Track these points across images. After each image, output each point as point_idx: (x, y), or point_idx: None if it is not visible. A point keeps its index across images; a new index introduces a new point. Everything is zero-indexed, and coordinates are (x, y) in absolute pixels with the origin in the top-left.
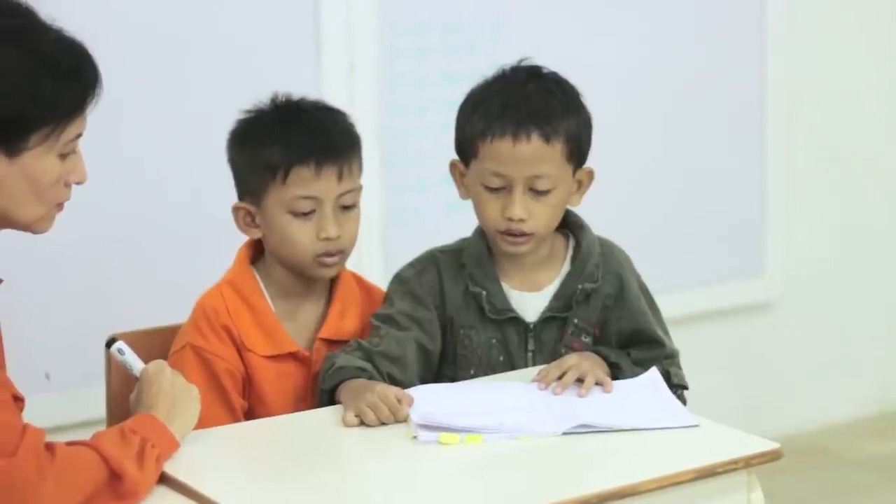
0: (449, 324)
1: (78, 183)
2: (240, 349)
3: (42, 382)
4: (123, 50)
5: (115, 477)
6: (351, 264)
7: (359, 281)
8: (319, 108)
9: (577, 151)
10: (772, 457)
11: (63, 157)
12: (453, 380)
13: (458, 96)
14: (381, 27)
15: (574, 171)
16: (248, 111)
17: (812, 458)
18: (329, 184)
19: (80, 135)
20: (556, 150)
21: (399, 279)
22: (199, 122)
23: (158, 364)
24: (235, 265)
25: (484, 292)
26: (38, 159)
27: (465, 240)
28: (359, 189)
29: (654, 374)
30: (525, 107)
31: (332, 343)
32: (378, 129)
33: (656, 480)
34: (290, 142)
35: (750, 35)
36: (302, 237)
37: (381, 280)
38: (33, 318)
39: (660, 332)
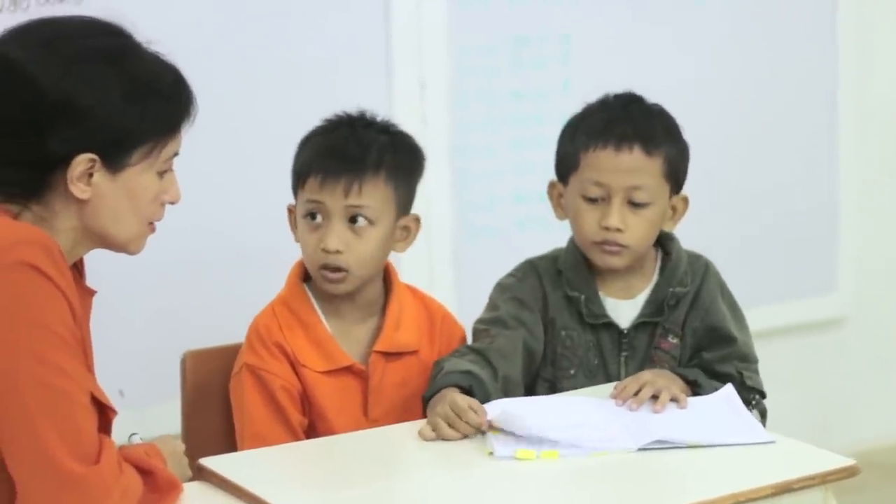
0: (550, 325)
1: (172, 203)
2: (294, 366)
3: (116, 399)
4: (198, 70)
5: (147, 475)
6: (423, 280)
7: (415, 294)
8: (371, 125)
9: (675, 175)
10: (848, 473)
11: (161, 175)
12: (552, 381)
13: (528, 113)
14: (451, 46)
15: (670, 194)
16: (323, 121)
17: (884, 474)
18: (334, 196)
19: (176, 153)
20: (656, 164)
21: (501, 287)
22: (272, 141)
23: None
24: (287, 283)
25: (582, 296)
26: (139, 176)
27: (558, 249)
28: (378, 212)
29: (729, 389)
30: (628, 122)
31: (389, 355)
32: (449, 146)
33: (733, 496)
34: (314, 149)
35: (821, 48)
36: (308, 244)
37: (451, 297)
38: (107, 335)
39: (734, 331)
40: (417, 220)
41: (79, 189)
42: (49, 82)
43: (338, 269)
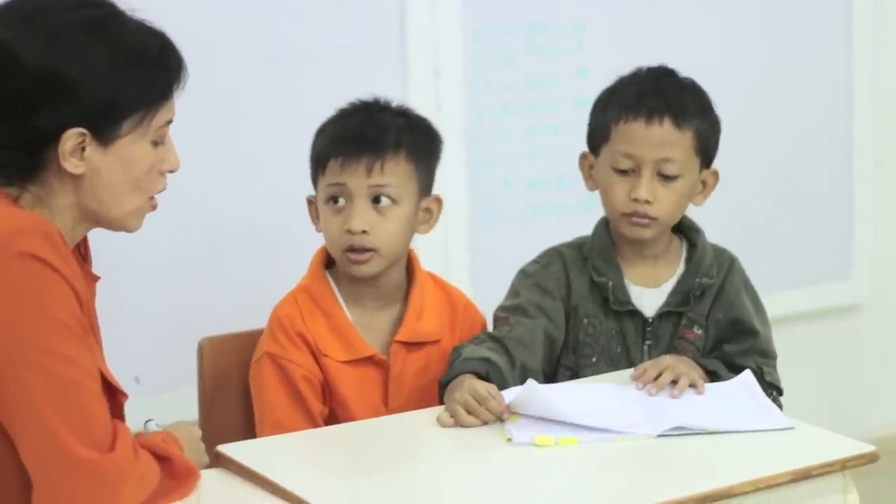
0: (573, 312)
1: (171, 171)
2: (316, 355)
3: (132, 386)
4: (212, 57)
5: (164, 461)
6: (438, 266)
7: (437, 282)
8: (388, 109)
9: (705, 149)
10: (868, 459)
11: (155, 144)
12: (574, 369)
13: (543, 99)
14: (466, 32)
15: (700, 168)
16: (337, 110)
17: None
18: (356, 176)
19: (170, 121)
20: (686, 138)
21: (524, 273)
22: (287, 128)
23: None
24: (309, 271)
25: (609, 282)
26: (132, 146)
27: (584, 237)
28: (401, 190)
29: (747, 375)
30: (660, 96)
31: (410, 345)
32: (464, 133)
33: (752, 483)
34: (332, 134)
35: (836, 35)
36: (332, 229)
37: (467, 283)
38: (122, 322)
39: (756, 324)
40: (439, 200)
41: (72, 164)
42: (32, 58)
43: (364, 250)
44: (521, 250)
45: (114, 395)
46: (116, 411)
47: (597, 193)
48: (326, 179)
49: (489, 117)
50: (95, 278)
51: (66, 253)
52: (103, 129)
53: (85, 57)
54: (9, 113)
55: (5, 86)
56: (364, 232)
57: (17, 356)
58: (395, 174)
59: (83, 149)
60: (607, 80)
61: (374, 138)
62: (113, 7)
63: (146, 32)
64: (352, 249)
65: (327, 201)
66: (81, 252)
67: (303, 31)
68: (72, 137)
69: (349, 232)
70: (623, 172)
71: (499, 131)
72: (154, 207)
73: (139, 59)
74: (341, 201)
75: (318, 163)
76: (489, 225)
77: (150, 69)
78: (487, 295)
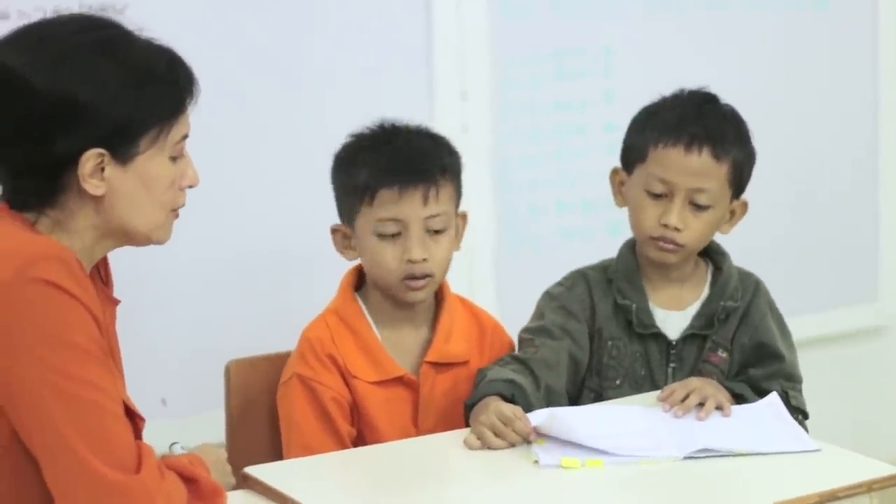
0: (597, 335)
1: (191, 186)
2: (345, 377)
3: (158, 408)
4: (237, 77)
5: (191, 483)
6: (463, 290)
7: (465, 304)
8: (415, 132)
9: (739, 180)
10: (894, 481)
11: (174, 160)
12: (598, 392)
13: (570, 123)
14: (493, 56)
15: (731, 199)
16: (352, 135)
17: None
18: (413, 206)
19: (185, 136)
20: (722, 170)
21: (549, 295)
22: (312, 149)
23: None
24: (339, 293)
25: (633, 305)
26: (151, 162)
27: (609, 259)
28: (449, 215)
29: (774, 398)
30: (700, 123)
31: (439, 366)
32: (490, 156)
33: None
34: (377, 164)
35: (862, 54)
36: (388, 259)
37: (493, 307)
38: (149, 344)
39: (782, 348)
40: (465, 216)
41: (92, 185)
42: (44, 83)
43: (423, 277)
44: (548, 274)
45: (132, 419)
46: (135, 435)
47: (623, 218)
48: (377, 212)
49: (516, 140)
50: (116, 302)
51: (83, 278)
52: (121, 148)
53: (97, 78)
54: (25, 139)
55: (20, 112)
56: (424, 260)
57: (36, 381)
58: (445, 200)
59: (102, 169)
60: (634, 103)
61: (425, 166)
62: (120, 27)
63: (154, 50)
64: (412, 277)
65: (377, 233)
66: (102, 276)
67: (329, 53)
68: (91, 158)
69: (410, 261)
70: (655, 196)
71: (526, 155)
72: (177, 217)
73: (150, 77)
74: (394, 231)
75: (363, 193)
76: (515, 248)
77: (161, 85)
78: (513, 318)
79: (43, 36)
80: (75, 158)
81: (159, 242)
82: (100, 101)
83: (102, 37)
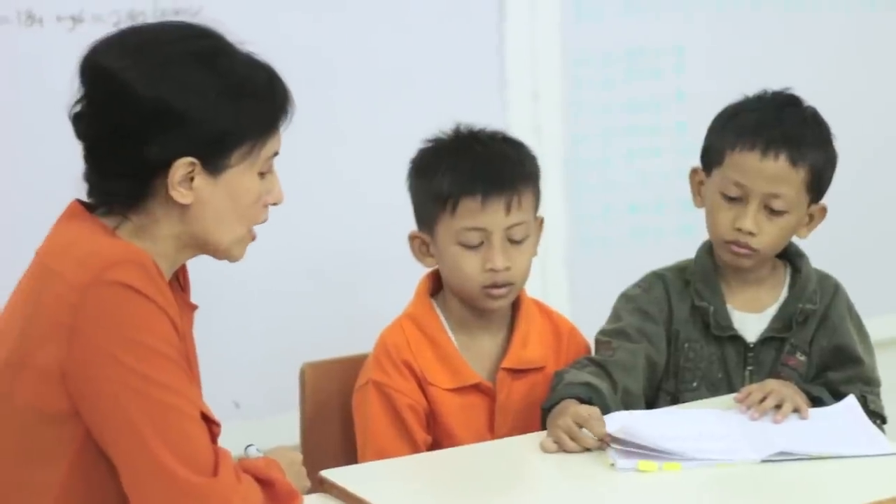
0: (674, 337)
1: (275, 204)
2: (422, 383)
3: (231, 410)
4: (317, 83)
5: (267, 485)
6: (536, 292)
7: (541, 308)
8: (495, 139)
9: (817, 185)
10: None
11: (262, 175)
12: (674, 395)
13: (642, 123)
14: (565, 56)
15: (809, 203)
16: (428, 141)
17: None
18: (496, 215)
19: (276, 153)
20: (800, 175)
21: (626, 297)
22: (389, 151)
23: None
24: (415, 298)
25: (710, 307)
26: (240, 177)
27: (686, 260)
28: (530, 222)
29: (851, 401)
30: (779, 127)
31: (515, 372)
32: (563, 157)
33: None
34: (459, 172)
35: None
36: (469, 268)
37: (566, 309)
38: (222, 347)
39: (860, 352)
40: (542, 222)
41: (180, 194)
42: (143, 89)
43: (505, 285)
44: (621, 276)
45: (208, 426)
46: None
47: (699, 218)
48: (460, 221)
49: (588, 141)
50: (193, 307)
51: (160, 283)
52: (213, 159)
53: (196, 87)
54: (121, 142)
55: (118, 116)
56: (507, 269)
57: (114, 383)
58: (527, 208)
59: (192, 178)
60: (707, 103)
61: (508, 174)
62: (221, 39)
63: (254, 65)
64: (493, 286)
65: (459, 242)
66: (180, 281)
67: (402, 54)
68: (182, 167)
69: (492, 270)
70: (731, 199)
71: (598, 156)
72: (254, 237)
73: (248, 91)
74: (478, 240)
75: (445, 202)
76: (589, 250)
77: (258, 101)
78: (587, 320)
79: (145, 41)
80: (167, 165)
81: (235, 258)
82: (197, 111)
83: (204, 46)
